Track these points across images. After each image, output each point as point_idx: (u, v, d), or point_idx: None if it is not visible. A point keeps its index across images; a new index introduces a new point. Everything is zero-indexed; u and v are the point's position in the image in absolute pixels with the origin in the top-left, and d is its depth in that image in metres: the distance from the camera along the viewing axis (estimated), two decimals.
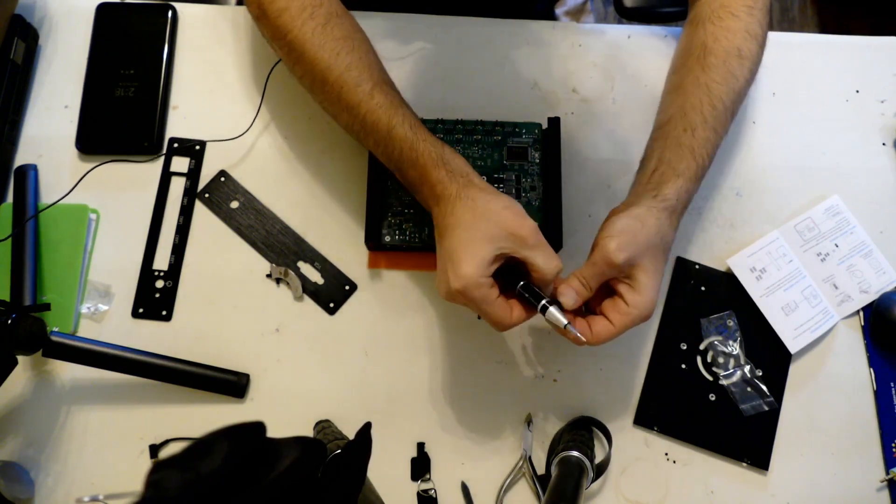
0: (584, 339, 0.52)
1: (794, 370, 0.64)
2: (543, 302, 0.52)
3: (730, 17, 0.60)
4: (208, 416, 0.61)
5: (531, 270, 0.51)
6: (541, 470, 0.60)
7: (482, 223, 0.50)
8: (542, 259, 0.51)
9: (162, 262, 0.65)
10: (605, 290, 0.55)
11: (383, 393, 0.63)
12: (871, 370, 0.65)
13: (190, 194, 0.67)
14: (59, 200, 0.64)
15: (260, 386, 0.62)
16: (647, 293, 0.52)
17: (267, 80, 0.69)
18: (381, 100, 0.55)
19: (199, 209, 0.67)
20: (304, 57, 0.56)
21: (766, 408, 0.63)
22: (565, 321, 0.51)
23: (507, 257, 0.51)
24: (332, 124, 0.69)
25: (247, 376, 0.62)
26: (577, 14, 1.04)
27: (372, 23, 0.73)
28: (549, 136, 0.65)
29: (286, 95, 0.70)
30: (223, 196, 0.67)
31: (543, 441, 0.62)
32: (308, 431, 0.60)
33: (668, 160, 0.57)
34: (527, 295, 0.52)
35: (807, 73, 0.74)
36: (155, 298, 0.64)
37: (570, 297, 0.52)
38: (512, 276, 0.53)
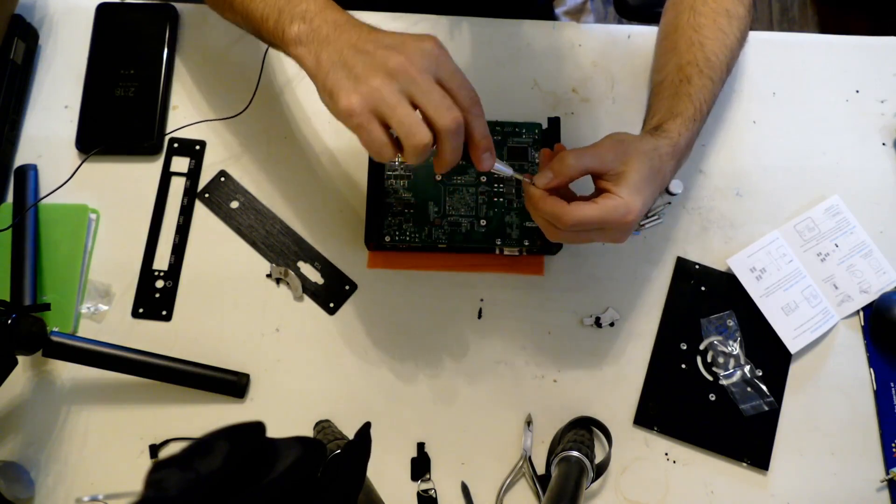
0: (550, 179, 0.50)
1: (794, 370, 0.64)
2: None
3: None
4: (208, 416, 0.61)
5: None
6: (541, 470, 0.60)
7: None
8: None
9: (162, 262, 0.65)
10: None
11: (383, 393, 0.63)
12: (871, 370, 0.65)
13: (190, 194, 0.67)
14: (55, 190, 0.64)
15: (260, 386, 0.62)
16: (633, 189, 0.51)
17: (263, 61, 0.68)
18: None
19: (199, 209, 0.67)
20: None
21: (766, 408, 0.63)
22: (510, 171, 0.50)
23: None
24: (332, 124, 0.69)
25: (247, 376, 0.62)
26: (577, 14, 1.04)
27: (373, 23, 0.73)
28: (549, 136, 0.65)
29: (286, 95, 0.70)
30: (223, 196, 0.67)
31: (543, 441, 0.62)
32: (308, 431, 0.60)
33: (666, 108, 0.58)
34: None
35: (807, 73, 0.74)
36: (155, 298, 0.64)
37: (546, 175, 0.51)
38: None
